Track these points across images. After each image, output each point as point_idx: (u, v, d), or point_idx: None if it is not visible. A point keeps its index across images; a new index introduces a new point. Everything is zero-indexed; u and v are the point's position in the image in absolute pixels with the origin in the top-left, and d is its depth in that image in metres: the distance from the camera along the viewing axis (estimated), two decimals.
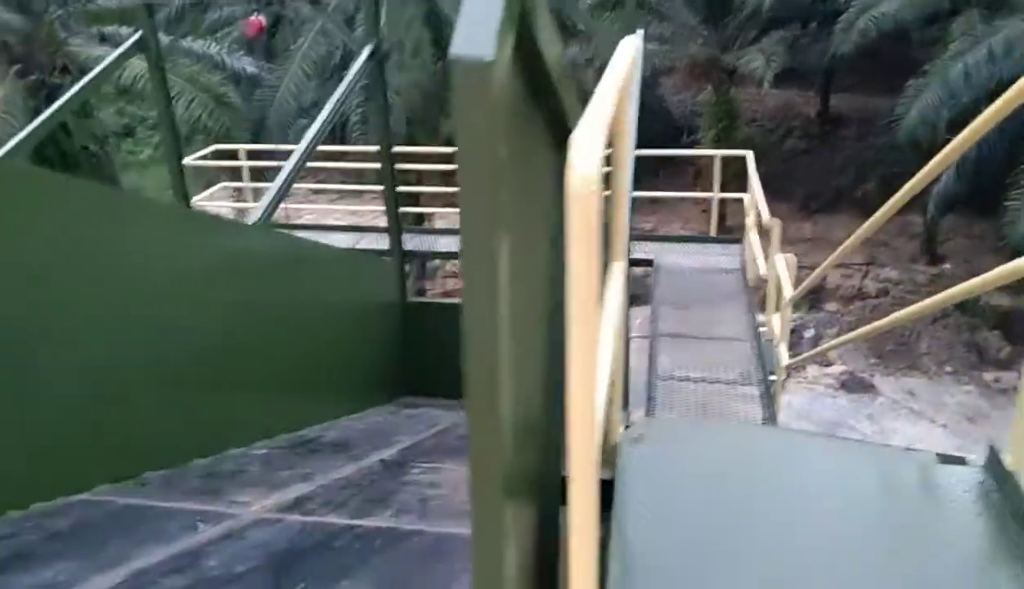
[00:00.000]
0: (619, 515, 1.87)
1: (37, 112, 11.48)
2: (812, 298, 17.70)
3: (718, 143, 18.56)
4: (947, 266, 19.82)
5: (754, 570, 1.83)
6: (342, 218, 13.41)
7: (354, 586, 2.51)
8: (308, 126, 16.18)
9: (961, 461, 1.94)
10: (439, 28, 15.19)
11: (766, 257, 6.14)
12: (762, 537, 1.95)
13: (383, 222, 13.21)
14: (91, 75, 5.81)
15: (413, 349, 7.48)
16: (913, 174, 3.19)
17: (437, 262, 17.52)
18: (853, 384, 15.31)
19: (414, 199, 13.06)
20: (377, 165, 10.91)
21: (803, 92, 24.39)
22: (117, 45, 14.39)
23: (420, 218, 13.82)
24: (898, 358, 16.36)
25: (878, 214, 3.57)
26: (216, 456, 4.35)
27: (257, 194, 11.61)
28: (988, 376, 15.74)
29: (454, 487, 4.00)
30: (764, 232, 6.32)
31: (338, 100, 6.07)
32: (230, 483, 3.85)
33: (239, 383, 4.70)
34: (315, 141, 5.67)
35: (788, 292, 5.38)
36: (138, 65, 11.48)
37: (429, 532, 3.15)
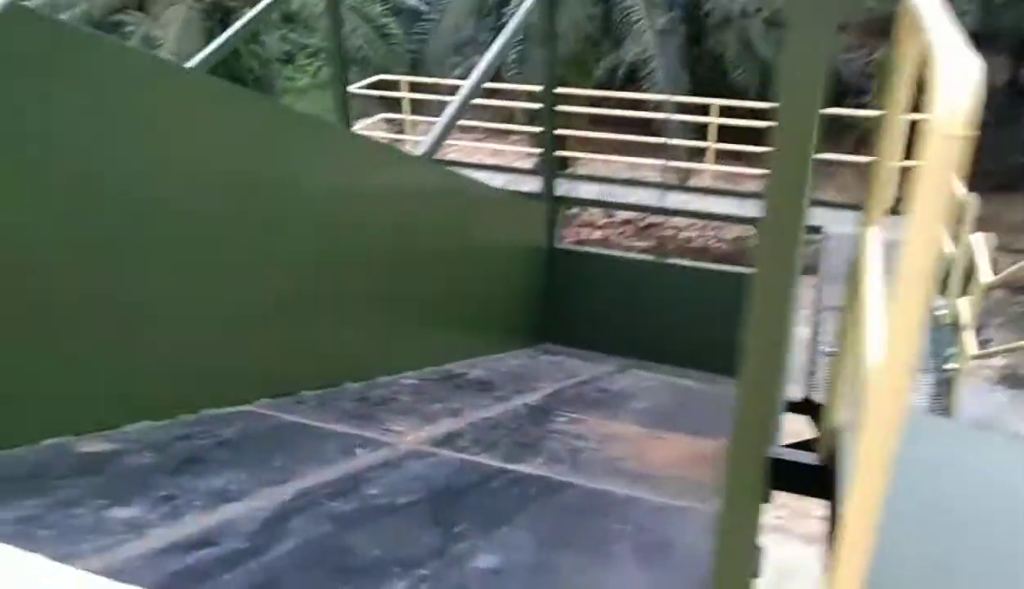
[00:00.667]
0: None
1: (212, 33, 12.00)
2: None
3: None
4: None
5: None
6: (486, 158, 13.39)
7: (512, 534, 2.46)
8: (461, 62, 16.20)
9: None
10: None
11: (952, 235, 5.61)
12: (985, 542, 1.74)
13: (523, 164, 13.16)
14: (266, 1, 5.90)
15: (557, 296, 7.40)
16: None
17: (574, 209, 17.30)
18: (1015, 379, 14.14)
19: (562, 143, 12.85)
20: (528, 105, 10.79)
21: (993, 57, 22.31)
22: None
23: (564, 162, 13.63)
24: None
25: None
26: (367, 381, 4.43)
27: (415, 127, 11.71)
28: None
29: (601, 441, 3.91)
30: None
31: (509, 37, 5.95)
32: (383, 410, 3.90)
33: (392, 312, 4.75)
34: (484, 77, 5.58)
35: (985, 276, 4.90)
36: None
37: (581, 486, 3.07)
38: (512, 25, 6.00)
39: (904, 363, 0.95)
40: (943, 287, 5.63)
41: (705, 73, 16.96)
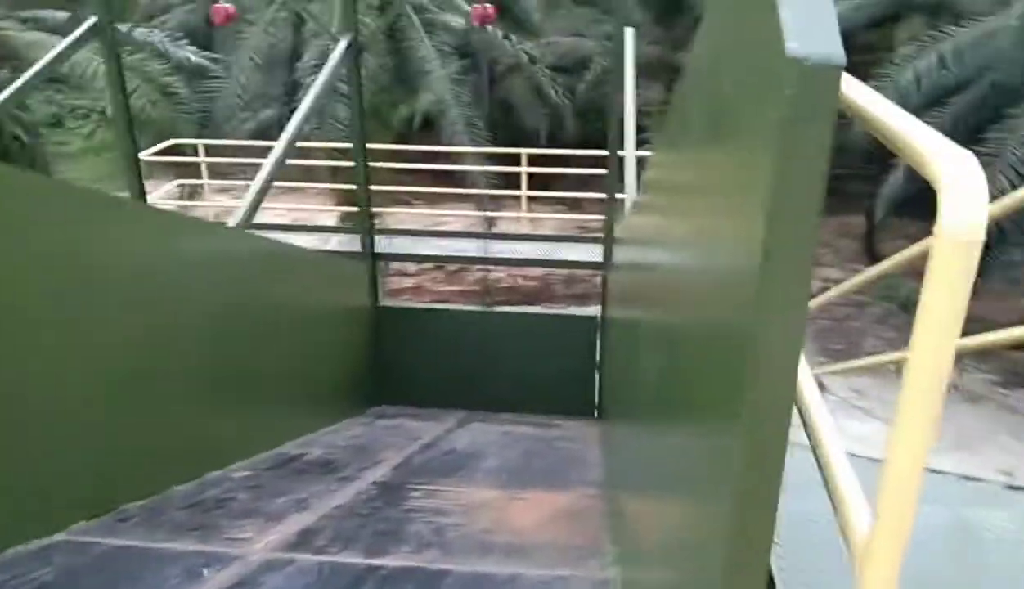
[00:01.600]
0: None
1: None
2: None
3: None
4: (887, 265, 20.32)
5: None
6: (284, 217, 12.86)
7: None
8: (252, 118, 15.54)
9: None
10: (393, 18, 14.78)
11: None
12: None
13: (328, 221, 12.81)
14: (42, 63, 5.31)
15: (385, 356, 7.17)
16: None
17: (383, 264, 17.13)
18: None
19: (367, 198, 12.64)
20: (328, 163, 10.54)
21: None
22: (45, 30, 13.69)
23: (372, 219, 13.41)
24: (845, 357, 16.66)
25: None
26: (196, 482, 4.00)
27: (212, 192, 11.03)
28: None
29: (463, 512, 3.75)
30: None
31: (317, 94, 5.72)
32: (221, 515, 3.50)
33: (216, 396, 4.35)
34: (295, 137, 5.31)
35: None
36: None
37: (459, 572, 2.89)
38: (322, 79, 5.78)
39: (905, 526, 0.90)
40: None
41: (499, 118, 17.48)
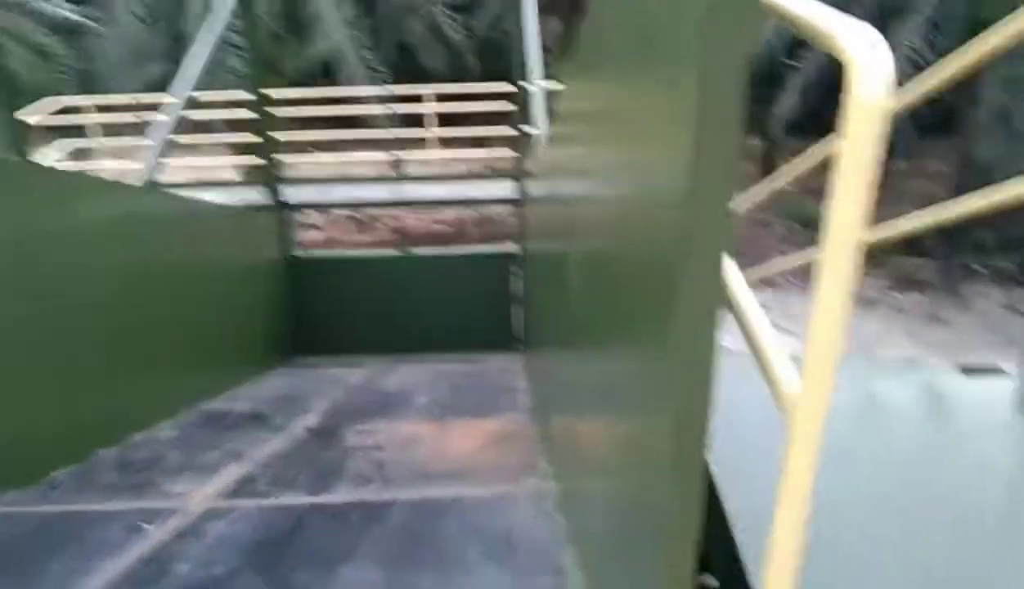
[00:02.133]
0: None
1: None
2: None
3: None
4: (786, 184, 21.07)
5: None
6: (186, 175, 12.33)
7: (358, 570, 2.30)
8: (137, 76, 14.76)
9: (997, 370, 1.97)
10: None
11: None
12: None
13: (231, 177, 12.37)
14: None
15: (304, 306, 7.08)
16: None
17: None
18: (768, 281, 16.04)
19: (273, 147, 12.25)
20: (225, 114, 10.14)
21: None
22: None
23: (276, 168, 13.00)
24: (748, 272, 17.30)
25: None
26: (122, 445, 3.92)
27: (107, 153, 10.47)
28: None
29: (400, 447, 3.81)
30: None
31: (207, 43, 5.47)
32: (153, 473, 3.46)
33: (133, 358, 4.24)
34: (189, 89, 5.09)
35: None
36: None
37: (403, 501, 2.96)
38: (213, 26, 5.53)
39: (827, 385, 0.99)
40: None
41: (399, 60, 17.11)
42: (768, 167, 21.12)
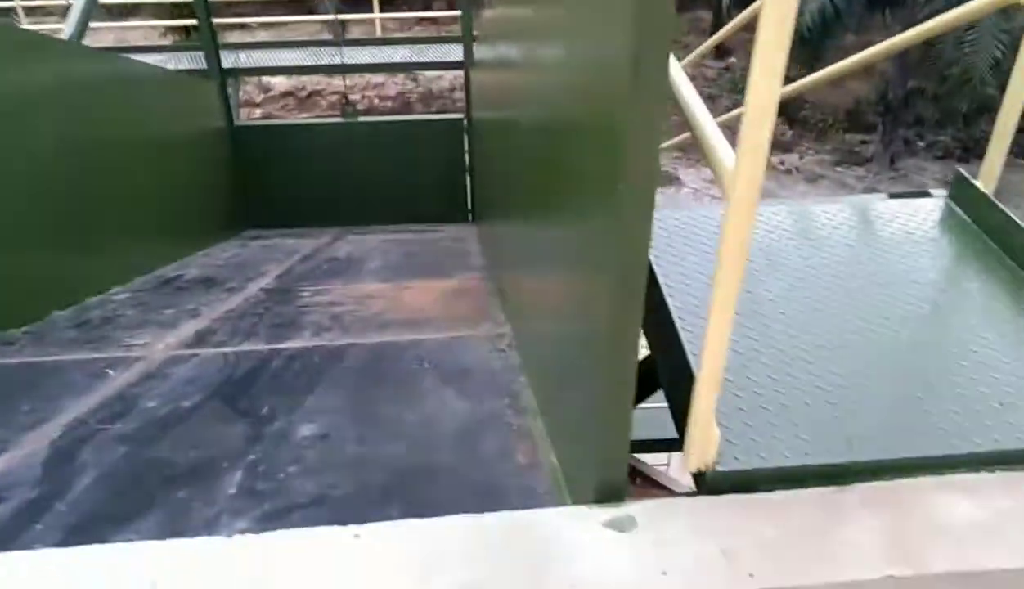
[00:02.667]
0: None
1: None
2: None
3: None
4: (733, 59, 20.99)
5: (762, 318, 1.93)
6: (118, 40, 11.75)
7: (321, 400, 2.41)
8: None
9: (925, 194, 2.10)
10: None
11: None
12: (759, 291, 2.04)
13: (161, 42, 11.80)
14: None
15: (250, 177, 6.96)
16: None
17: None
18: (661, 178, 16.21)
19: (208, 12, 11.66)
20: None
21: None
22: None
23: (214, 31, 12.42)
24: (696, 151, 17.43)
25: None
26: (76, 306, 3.92)
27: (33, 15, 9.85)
28: (774, 159, 17.22)
29: (356, 302, 3.89)
30: None
31: None
32: (111, 328, 3.49)
33: (82, 223, 4.18)
34: None
35: None
36: None
37: (362, 343, 3.06)
38: None
39: (759, 161, 1.07)
40: None
41: None
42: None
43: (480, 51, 5.50)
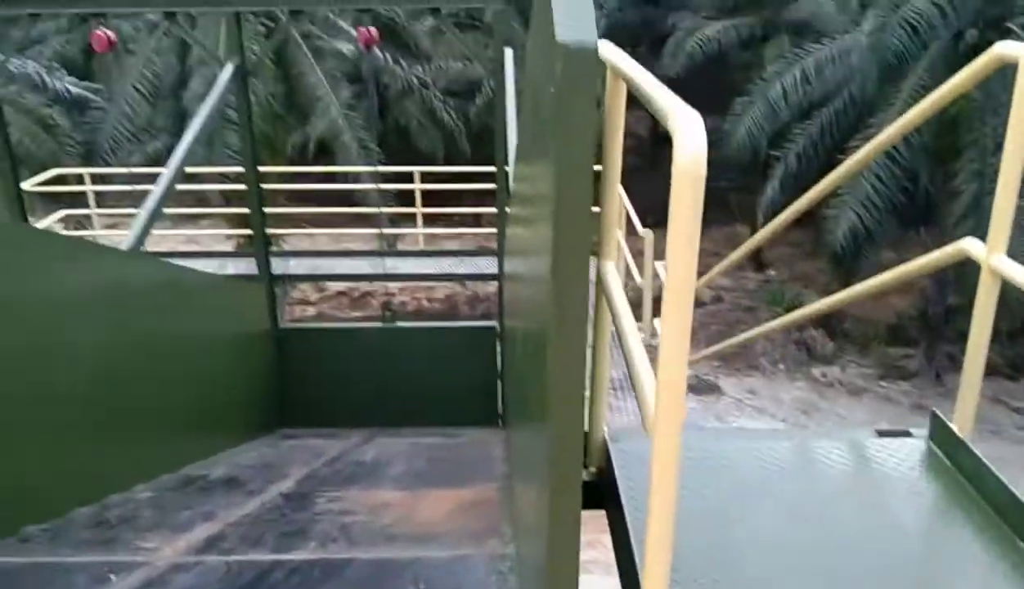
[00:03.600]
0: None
1: None
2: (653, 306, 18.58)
3: None
4: (772, 272, 21.46)
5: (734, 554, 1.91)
6: (181, 245, 12.62)
7: None
8: (139, 150, 15.16)
9: (906, 433, 2.12)
10: (279, 43, 14.76)
11: (639, 267, 6.40)
12: (737, 526, 2.03)
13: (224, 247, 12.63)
14: None
15: (289, 377, 7.18)
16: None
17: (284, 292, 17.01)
18: (700, 386, 16.17)
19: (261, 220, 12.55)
20: (220, 186, 10.46)
21: (634, 113, 25.62)
22: None
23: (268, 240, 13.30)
24: (738, 360, 17.46)
25: (768, 228, 3.85)
26: (98, 504, 3.98)
27: (101, 221, 10.72)
28: (816, 372, 17.13)
29: (369, 512, 3.88)
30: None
31: (205, 117, 5.75)
32: (126, 529, 3.53)
33: (115, 421, 4.33)
34: (184, 161, 5.34)
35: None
36: None
37: (362, 559, 3.04)
38: (208, 106, 5.82)
39: (681, 373, 1.14)
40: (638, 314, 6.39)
41: (395, 142, 17.64)
42: (756, 253, 21.47)
43: (507, 264, 5.80)
